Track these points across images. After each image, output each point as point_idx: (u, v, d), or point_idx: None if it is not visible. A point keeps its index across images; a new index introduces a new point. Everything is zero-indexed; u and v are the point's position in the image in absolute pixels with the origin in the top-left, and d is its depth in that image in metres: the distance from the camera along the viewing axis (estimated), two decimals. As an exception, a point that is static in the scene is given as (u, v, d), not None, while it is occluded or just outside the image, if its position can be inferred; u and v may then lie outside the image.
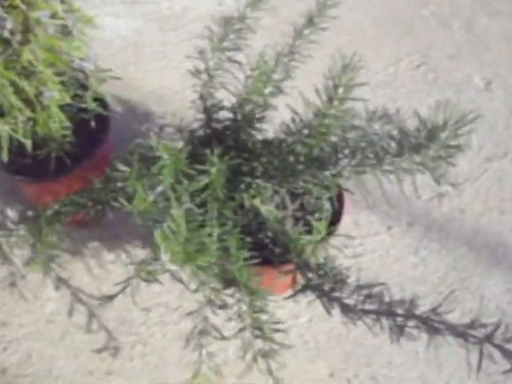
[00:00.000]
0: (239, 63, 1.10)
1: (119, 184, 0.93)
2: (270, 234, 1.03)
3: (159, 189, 0.93)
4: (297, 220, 1.07)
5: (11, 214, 1.40)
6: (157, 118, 1.50)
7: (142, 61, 1.64)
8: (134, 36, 1.70)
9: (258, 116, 1.04)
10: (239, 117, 1.05)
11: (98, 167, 1.25)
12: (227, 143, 1.05)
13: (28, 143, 1.12)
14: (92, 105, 1.09)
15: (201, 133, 1.09)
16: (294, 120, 0.99)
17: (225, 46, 1.10)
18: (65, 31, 1.02)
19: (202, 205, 0.99)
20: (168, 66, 1.65)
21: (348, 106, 0.92)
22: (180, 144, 1.10)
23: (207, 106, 1.10)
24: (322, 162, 0.93)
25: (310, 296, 0.94)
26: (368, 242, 1.39)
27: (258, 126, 1.03)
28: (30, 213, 1.31)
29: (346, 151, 0.91)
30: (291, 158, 0.99)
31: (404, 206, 1.43)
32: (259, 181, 0.95)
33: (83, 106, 1.11)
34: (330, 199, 1.08)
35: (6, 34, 0.96)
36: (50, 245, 1.01)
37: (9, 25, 0.95)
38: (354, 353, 1.25)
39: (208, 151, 0.94)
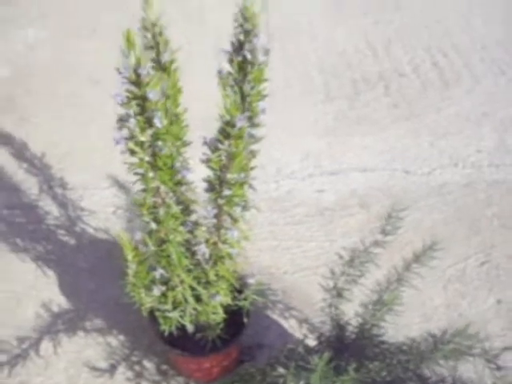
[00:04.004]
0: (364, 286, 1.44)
1: (279, 380, 1.25)
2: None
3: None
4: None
5: (148, 365, 1.71)
6: (270, 294, 1.83)
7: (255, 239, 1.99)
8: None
9: (375, 333, 1.36)
10: (360, 332, 1.38)
11: (237, 348, 1.59)
12: (352, 348, 1.37)
13: (191, 328, 1.45)
14: (247, 306, 1.42)
15: (328, 334, 1.42)
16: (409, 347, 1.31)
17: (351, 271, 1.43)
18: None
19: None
20: (278, 247, 2.00)
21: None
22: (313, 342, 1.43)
23: (333, 316, 1.43)
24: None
25: None
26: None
27: (378, 340, 1.35)
28: (164, 367, 1.64)
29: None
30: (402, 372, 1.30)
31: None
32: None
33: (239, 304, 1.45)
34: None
35: (202, 258, 1.32)
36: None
37: (207, 255, 1.30)
38: None
39: (344, 363, 1.26)
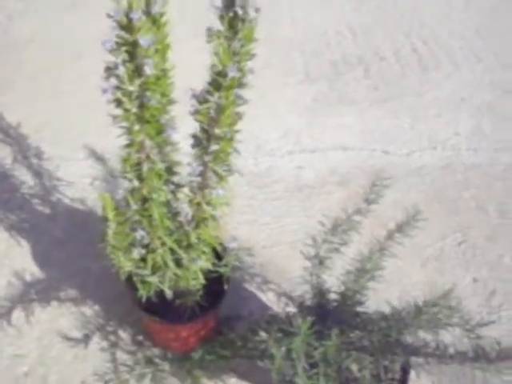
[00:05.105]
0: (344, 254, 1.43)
1: (260, 346, 1.23)
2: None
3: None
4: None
5: (123, 335, 1.68)
6: (247, 267, 1.81)
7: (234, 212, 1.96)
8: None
9: (357, 300, 1.35)
10: (341, 299, 1.37)
11: (215, 318, 1.57)
12: (334, 316, 1.36)
13: (169, 293, 1.43)
14: (227, 272, 1.41)
15: (309, 303, 1.41)
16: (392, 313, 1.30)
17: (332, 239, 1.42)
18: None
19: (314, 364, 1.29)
20: (257, 222, 1.98)
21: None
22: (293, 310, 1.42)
23: (314, 284, 1.42)
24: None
25: None
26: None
27: (359, 309, 1.34)
28: (140, 337, 1.61)
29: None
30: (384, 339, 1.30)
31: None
32: (362, 354, 1.26)
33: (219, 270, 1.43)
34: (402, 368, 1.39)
35: (184, 220, 1.30)
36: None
37: (189, 216, 1.28)
38: None
39: (326, 330, 1.25)
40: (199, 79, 1.10)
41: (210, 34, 1.13)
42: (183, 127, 1.18)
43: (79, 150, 2.19)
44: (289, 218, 2.01)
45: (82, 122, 2.32)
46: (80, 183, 2.07)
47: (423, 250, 1.96)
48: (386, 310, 1.40)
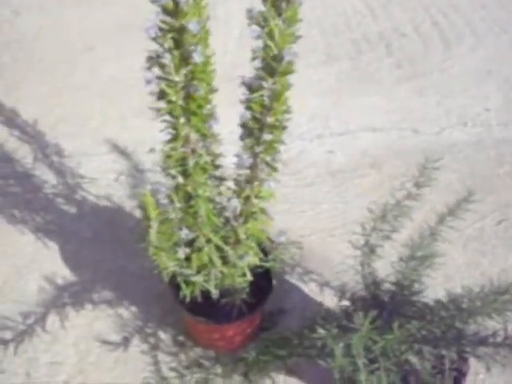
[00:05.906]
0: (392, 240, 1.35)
1: (318, 343, 1.16)
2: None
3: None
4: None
5: (163, 336, 1.61)
6: (288, 258, 1.74)
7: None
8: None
9: (415, 289, 1.28)
10: (398, 289, 1.30)
11: (260, 314, 1.50)
12: (389, 307, 1.29)
13: (215, 292, 1.36)
14: (275, 266, 1.33)
15: (360, 294, 1.33)
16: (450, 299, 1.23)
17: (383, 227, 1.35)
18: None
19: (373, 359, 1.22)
20: (292, 210, 1.91)
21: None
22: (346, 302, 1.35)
23: (366, 274, 1.35)
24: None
25: None
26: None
27: (415, 298, 1.27)
28: (181, 338, 1.55)
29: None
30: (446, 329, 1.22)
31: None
32: (423, 346, 1.19)
33: (266, 265, 1.35)
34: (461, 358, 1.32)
35: (230, 215, 1.22)
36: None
37: (237, 210, 1.21)
38: None
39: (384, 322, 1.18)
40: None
41: (252, 15, 1.05)
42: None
43: (99, 144, 2.11)
44: (324, 204, 1.94)
45: (98, 114, 2.25)
46: (104, 179, 2.00)
47: (462, 230, 1.88)
48: (438, 296, 1.33)
